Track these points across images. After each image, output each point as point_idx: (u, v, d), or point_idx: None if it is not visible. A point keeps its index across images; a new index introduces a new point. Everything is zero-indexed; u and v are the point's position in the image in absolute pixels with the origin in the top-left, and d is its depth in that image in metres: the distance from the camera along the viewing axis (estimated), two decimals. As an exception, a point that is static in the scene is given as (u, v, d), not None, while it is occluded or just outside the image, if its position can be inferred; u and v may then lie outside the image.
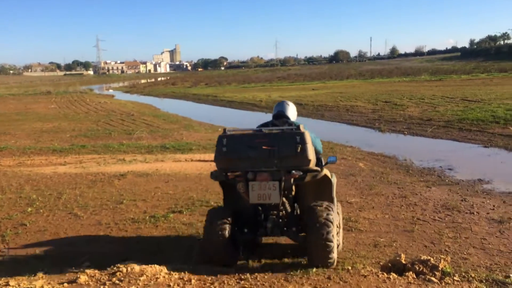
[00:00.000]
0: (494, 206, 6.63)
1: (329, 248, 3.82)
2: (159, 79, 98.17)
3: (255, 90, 39.26)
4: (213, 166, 9.90)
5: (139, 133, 14.83)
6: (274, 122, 4.58)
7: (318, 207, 3.97)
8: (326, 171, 4.20)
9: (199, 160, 10.59)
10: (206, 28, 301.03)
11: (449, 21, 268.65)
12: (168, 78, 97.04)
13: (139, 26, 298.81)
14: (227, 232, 3.96)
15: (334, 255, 3.91)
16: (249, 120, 20.47)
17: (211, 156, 11.10)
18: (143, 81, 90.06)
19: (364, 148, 11.97)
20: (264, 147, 3.78)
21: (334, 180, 4.50)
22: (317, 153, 4.31)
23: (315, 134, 4.43)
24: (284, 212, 4.14)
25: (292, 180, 3.90)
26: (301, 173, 3.89)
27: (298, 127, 3.95)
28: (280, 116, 4.70)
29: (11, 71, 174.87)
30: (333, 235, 3.85)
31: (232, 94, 35.33)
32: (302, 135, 3.85)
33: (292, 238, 4.25)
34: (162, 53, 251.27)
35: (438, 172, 9.15)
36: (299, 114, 17.70)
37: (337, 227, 4.16)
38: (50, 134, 15.86)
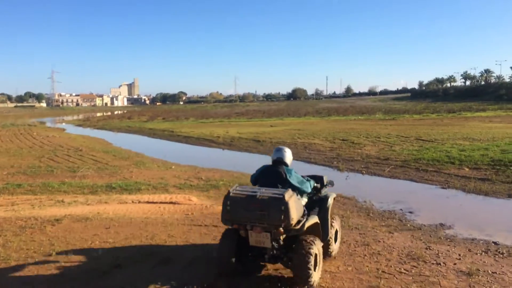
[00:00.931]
0: (460, 255, 6.24)
1: (308, 274, 4.84)
2: (115, 112, 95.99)
3: (213, 125, 38.77)
4: (161, 209, 9.10)
5: (84, 170, 13.79)
6: (272, 174, 5.55)
7: (303, 241, 4.96)
8: (313, 218, 5.25)
9: (147, 202, 9.75)
10: (165, 63, 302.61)
11: (400, 63, 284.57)
12: (125, 111, 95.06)
13: (96, 58, 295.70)
14: (233, 253, 5.19)
15: (313, 279, 4.91)
16: (205, 157, 19.80)
17: (161, 197, 10.38)
18: (98, 114, 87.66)
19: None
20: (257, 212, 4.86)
21: (330, 203, 5.85)
22: (308, 188, 5.60)
23: (306, 178, 5.78)
24: (276, 249, 5.15)
25: (278, 233, 4.90)
26: (284, 228, 4.84)
27: (282, 196, 4.77)
28: (279, 162, 5.69)
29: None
30: (312, 265, 4.86)
31: (189, 129, 34.62)
32: (286, 204, 4.72)
33: (284, 265, 5.33)
34: (120, 86, 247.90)
35: (399, 215, 8.80)
36: (257, 151, 17.66)
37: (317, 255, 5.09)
38: (-15, 171, 14.49)
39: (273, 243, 5.03)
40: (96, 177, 13.27)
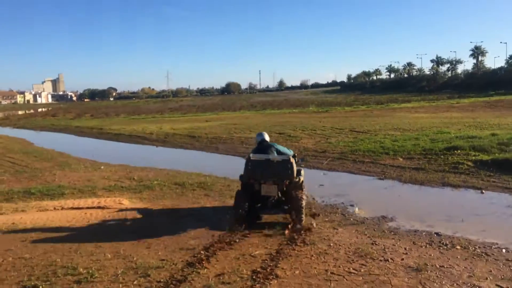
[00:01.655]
0: (405, 249, 6.11)
1: (301, 213, 7.07)
2: (39, 110, 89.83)
3: (146, 121, 37.28)
4: (88, 215, 8.21)
5: (-1, 175, 12.37)
6: (265, 148, 7.80)
7: (297, 193, 7.18)
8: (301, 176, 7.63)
9: (72, 208, 8.81)
10: (93, 57, 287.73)
11: (329, 57, 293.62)
12: (49, 109, 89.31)
13: (16, 52, 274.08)
14: (246, 205, 7.15)
15: (303, 216, 7.10)
16: (137, 155, 18.76)
17: (88, 201, 9.43)
18: (20, 112, 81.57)
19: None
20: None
21: (303, 174, 7.91)
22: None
23: (286, 148, 8.40)
24: (277, 198, 7.39)
25: (285, 185, 7.23)
26: (289, 181, 7.25)
27: (289, 158, 7.32)
28: (264, 141, 8.03)
29: None
30: (304, 208, 7.14)
31: (120, 126, 32.94)
32: (291, 164, 7.24)
33: (282, 211, 7.49)
34: (43, 82, 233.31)
35: (341, 209, 8.61)
36: (192, 147, 16.80)
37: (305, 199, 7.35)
38: None
39: (279, 193, 7.33)
40: (13, 181, 11.93)
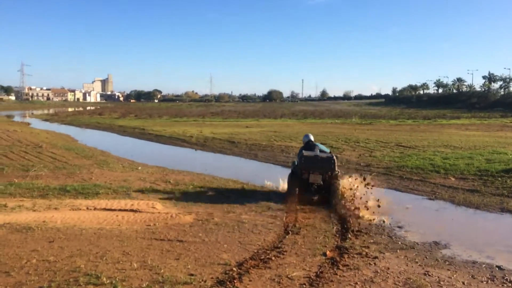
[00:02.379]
0: (464, 283, 5.36)
1: (337, 199, 9.24)
2: (87, 108, 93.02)
3: (187, 124, 37.43)
4: (119, 218, 7.91)
5: (38, 169, 12.41)
6: (312, 147, 10.30)
7: (334, 182, 9.44)
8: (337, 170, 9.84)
9: (104, 209, 8.54)
10: (141, 59, 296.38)
11: (374, 69, 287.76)
12: (97, 107, 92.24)
13: (69, 52, 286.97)
14: (297, 188, 9.58)
15: (337, 200, 9.22)
16: (176, 157, 18.60)
17: (121, 203, 9.15)
18: (69, 109, 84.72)
19: (302, 198, 10.53)
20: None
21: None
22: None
23: (325, 147, 10.94)
24: (321, 185, 9.60)
25: (327, 175, 9.49)
26: (331, 174, 9.51)
27: (332, 155, 9.79)
28: (310, 141, 10.64)
29: None
30: (339, 193, 9.38)
31: (161, 127, 33.21)
32: (334, 159, 9.57)
33: (324, 195, 9.59)
34: (93, 82, 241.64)
35: (387, 230, 7.88)
36: (231, 153, 16.73)
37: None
38: None
39: (321, 181, 9.53)
40: (51, 177, 11.92)
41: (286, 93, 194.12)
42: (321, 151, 10.13)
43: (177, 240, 6.71)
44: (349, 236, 7.35)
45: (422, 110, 71.56)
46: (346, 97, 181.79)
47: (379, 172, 13.61)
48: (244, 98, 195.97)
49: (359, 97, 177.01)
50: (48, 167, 13.36)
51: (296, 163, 10.16)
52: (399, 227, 8.17)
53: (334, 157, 9.66)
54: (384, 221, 8.43)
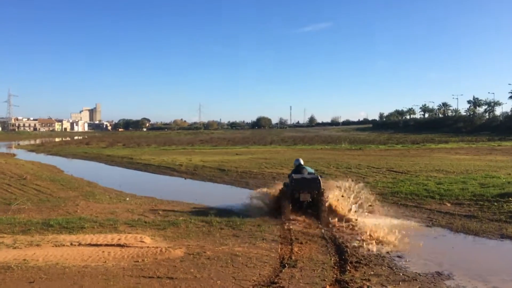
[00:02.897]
0: (475, 319, 5.03)
1: (325, 215, 10.52)
2: (75, 138, 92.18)
3: (176, 153, 37.03)
4: (105, 254, 7.49)
5: (21, 203, 11.93)
6: (301, 170, 11.74)
7: (321, 199, 10.68)
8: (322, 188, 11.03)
9: (90, 244, 8.10)
10: (128, 88, 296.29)
11: (361, 95, 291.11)
12: (84, 137, 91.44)
13: (56, 82, 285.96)
14: (290, 205, 10.92)
15: (325, 214, 10.56)
16: (165, 187, 18.17)
17: (107, 237, 8.68)
18: (56, 139, 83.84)
19: (297, 228, 10.20)
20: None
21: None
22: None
23: (311, 168, 12.42)
24: (310, 201, 10.91)
25: (314, 193, 10.77)
26: (317, 192, 10.78)
27: (317, 176, 11.14)
28: (300, 165, 12.04)
29: None
30: (326, 210, 10.67)
31: (150, 156, 32.76)
32: (319, 180, 10.90)
33: (312, 210, 10.90)
34: (81, 111, 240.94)
35: (387, 260, 7.55)
36: (222, 181, 16.63)
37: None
38: None
39: (310, 199, 10.78)
40: (34, 211, 11.43)
41: (274, 120, 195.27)
42: (309, 173, 11.70)
43: (167, 277, 6.32)
44: (348, 268, 7.01)
45: (410, 135, 72.06)
46: (334, 123, 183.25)
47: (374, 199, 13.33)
48: (233, 125, 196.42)
49: (347, 123, 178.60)
50: (32, 200, 12.86)
51: (287, 184, 11.53)
52: (399, 256, 7.85)
53: (319, 177, 11.10)
54: (383, 251, 8.12)
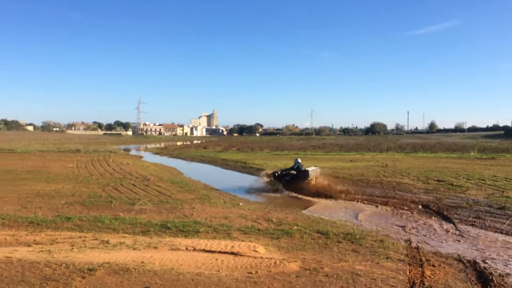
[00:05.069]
0: None
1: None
2: (194, 142, 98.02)
3: (288, 158, 36.79)
4: (219, 262, 7.20)
5: (143, 203, 12.42)
6: (298, 166, 18.58)
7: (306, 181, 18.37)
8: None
9: (204, 250, 7.91)
10: (243, 95, 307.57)
11: (490, 98, 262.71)
12: (202, 141, 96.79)
13: (179, 90, 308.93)
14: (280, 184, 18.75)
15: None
16: (275, 194, 17.83)
17: (221, 244, 8.39)
18: (178, 143, 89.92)
19: (426, 247, 8.97)
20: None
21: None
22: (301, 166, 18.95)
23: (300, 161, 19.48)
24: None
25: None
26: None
27: (307, 170, 18.16)
28: (300, 164, 18.75)
29: (55, 129, 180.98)
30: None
31: (262, 161, 32.98)
32: (308, 172, 17.93)
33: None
34: (199, 117, 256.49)
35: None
36: None
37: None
38: (44, 199, 13.70)
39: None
40: (154, 212, 11.80)
41: (390, 126, 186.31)
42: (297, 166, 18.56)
43: (282, 295, 5.74)
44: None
45: (552, 143, 62.83)
46: (458, 129, 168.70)
47: (519, 217, 11.36)
48: (346, 131, 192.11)
49: (473, 129, 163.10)
50: (153, 201, 13.38)
51: (279, 172, 19.00)
52: None
53: (307, 169, 18.13)
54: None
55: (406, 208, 13.53)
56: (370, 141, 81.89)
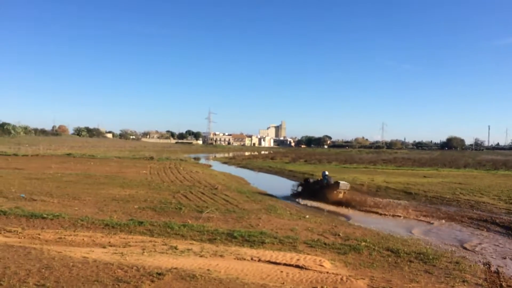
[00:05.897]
0: None
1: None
2: (262, 152, 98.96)
3: (357, 171, 35.93)
4: (284, 274, 7.12)
5: (210, 212, 12.68)
6: (327, 178, 20.18)
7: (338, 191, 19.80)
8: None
9: (269, 261, 7.87)
10: (312, 106, 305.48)
11: None
12: (270, 152, 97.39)
13: (249, 101, 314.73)
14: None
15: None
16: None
17: (286, 256, 8.30)
18: (246, 153, 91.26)
19: (507, 271, 8.25)
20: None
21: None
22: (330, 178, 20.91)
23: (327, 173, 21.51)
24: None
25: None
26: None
27: (337, 181, 19.40)
28: (328, 176, 20.39)
29: (131, 136, 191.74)
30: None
31: (330, 174, 32.39)
32: (339, 183, 18.97)
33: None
34: (268, 128, 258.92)
35: None
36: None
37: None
38: (119, 203, 14.45)
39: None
40: (221, 220, 11.99)
41: (468, 141, 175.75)
42: (327, 179, 19.86)
43: (348, 314, 5.52)
44: None
45: None
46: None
47: None
48: (419, 145, 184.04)
49: None
50: (220, 210, 13.61)
51: (311, 181, 21.05)
52: None
53: (339, 182, 19.00)
54: None
55: (485, 229, 12.59)
56: (446, 156, 77.56)
